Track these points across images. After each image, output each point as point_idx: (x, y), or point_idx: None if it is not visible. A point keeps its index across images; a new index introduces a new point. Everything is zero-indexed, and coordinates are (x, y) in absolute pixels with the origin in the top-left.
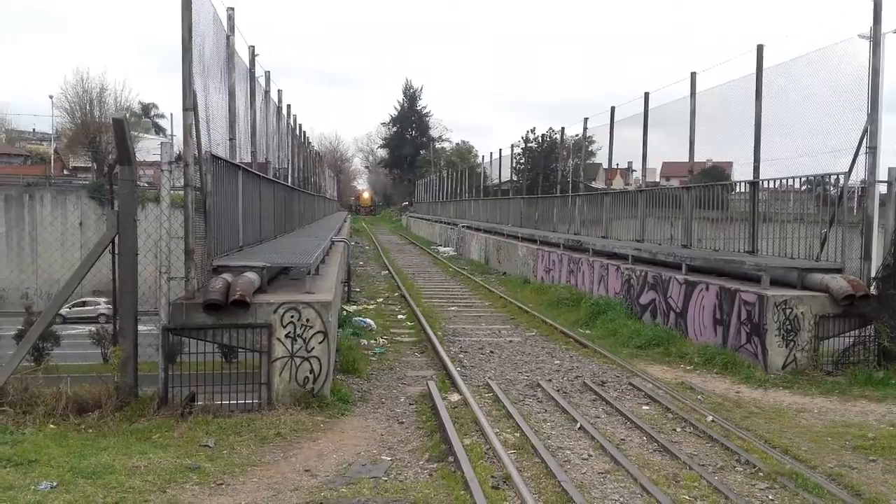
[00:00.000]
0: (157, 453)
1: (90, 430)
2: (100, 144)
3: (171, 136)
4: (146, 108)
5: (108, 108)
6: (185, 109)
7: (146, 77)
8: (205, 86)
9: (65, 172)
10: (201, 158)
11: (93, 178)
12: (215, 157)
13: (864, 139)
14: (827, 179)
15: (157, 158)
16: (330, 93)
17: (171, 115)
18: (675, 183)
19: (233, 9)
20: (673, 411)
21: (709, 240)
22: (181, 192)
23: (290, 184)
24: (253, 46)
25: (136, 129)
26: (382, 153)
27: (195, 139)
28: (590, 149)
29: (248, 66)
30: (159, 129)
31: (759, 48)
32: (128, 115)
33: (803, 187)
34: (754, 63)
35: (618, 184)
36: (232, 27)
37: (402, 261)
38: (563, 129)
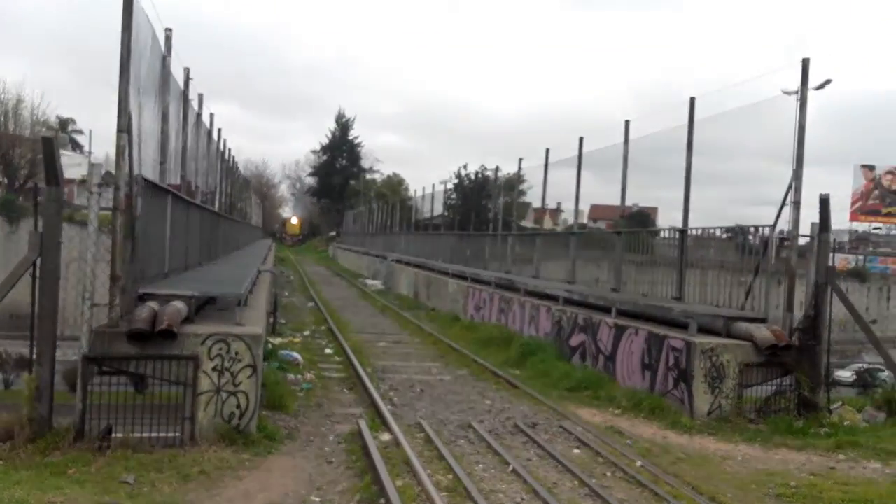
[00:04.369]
0: (74, 489)
1: (0, 463)
2: (12, 159)
3: (90, 153)
4: (64, 123)
5: (23, 122)
6: (118, 131)
7: (66, 91)
8: (139, 106)
9: None
10: (132, 181)
11: (2, 192)
12: (146, 181)
13: (789, 193)
14: (750, 230)
15: (74, 176)
16: (258, 117)
17: (90, 131)
18: (602, 225)
19: (170, 30)
20: (603, 455)
21: (634, 283)
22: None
23: (216, 209)
24: (188, 69)
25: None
26: (311, 181)
27: (128, 161)
28: (520, 188)
29: (182, 88)
30: (76, 146)
31: (692, 101)
32: (45, 129)
33: (725, 235)
34: (684, 113)
35: (547, 223)
36: (169, 48)
37: (330, 293)
38: (497, 167)
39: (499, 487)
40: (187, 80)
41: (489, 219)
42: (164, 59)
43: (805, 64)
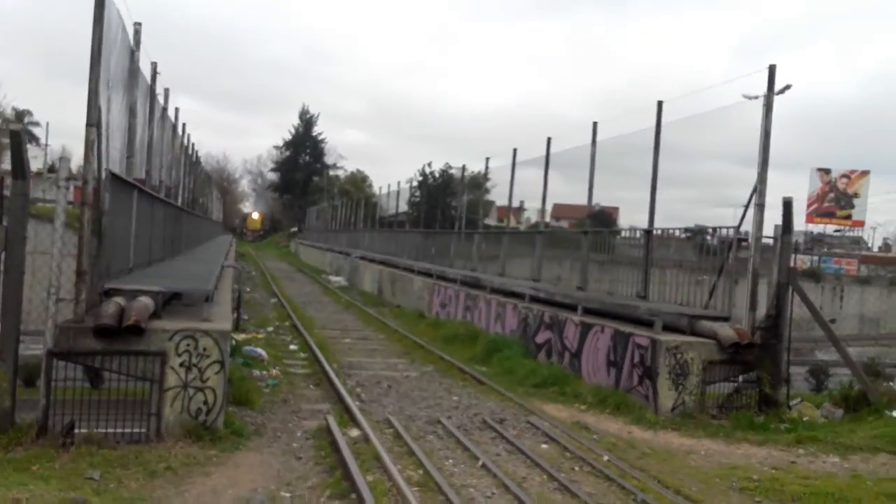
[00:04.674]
0: (39, 485)
1: None
2: None
3: (46, 145)
4: (20, 115)
5: None
6: (88, 125)
7: (20, 82)
8: (108, 100)
9: None
10: (101, 176)
11: None
12: (114, 176)
13: (754, 196)
14: (709, 231)
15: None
16: (218, 111)
17: (47, 123)
18: (564, 224)
19: (140, 24)
20: (570, 450)
21: (596, 281)
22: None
23: (179, 204)
24: (155, 63)
25: (6, 136)
26: (273, 177)
27: (96, 156)
28: (485, 186)
29: (149, 82)
30: (33, 138)
31: (659, 104)
32: (0, 122)
33: (685, 235)
34: (644, 118)
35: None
36: (138, 42)
37: (292, 289)
38: (463, 166)
39: (469, 482)
40: (154, 74)
41: (453, 216)
42: (133, 54)
43: (772, 70)
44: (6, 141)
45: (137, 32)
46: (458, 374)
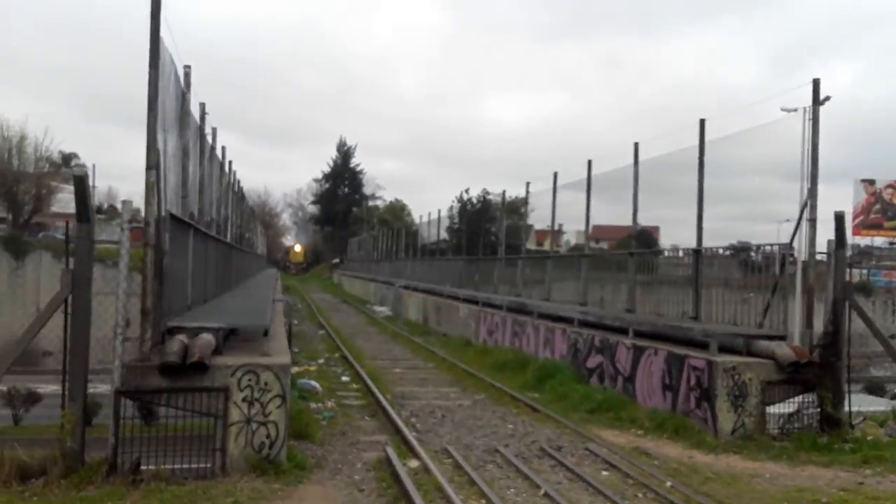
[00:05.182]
0: None
1: (35, 499)
2: (16, 195)
3: (94, 186)
4: (67, 158)
5: (27, 158)
6: (147, 168)
7: (65, 125)
8: (164, 142)
9: None
10: (161, 217)
11: (8, 228)
12: (172, 216)
13: (805, 211)
14: (764, 248)
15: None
16: (258, 146)
17: (94, 165)
18: (604, 245)
19: (189, 66)
20: (632, 476)
21: (641, 303)
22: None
23: (228, 240)
24: (203, 104)
25: (55, 179)
26: (313, 209)
27: (157, 198)
28: (522, 210)
29: (198, 122)
30: None
31: (702, 123)
32: (48, 165)
33: (727, 253)
34: (683, 134)
35: (547, 245)
36: (188, 85)
37: (339, 320)
38: (504, 192)
39: None
40: (203, 114)
41: (493, 242)
42: (184, 96)
43: (816, 84)
44: (55, 184)
45: (188, 75)
46: (510, 401)
